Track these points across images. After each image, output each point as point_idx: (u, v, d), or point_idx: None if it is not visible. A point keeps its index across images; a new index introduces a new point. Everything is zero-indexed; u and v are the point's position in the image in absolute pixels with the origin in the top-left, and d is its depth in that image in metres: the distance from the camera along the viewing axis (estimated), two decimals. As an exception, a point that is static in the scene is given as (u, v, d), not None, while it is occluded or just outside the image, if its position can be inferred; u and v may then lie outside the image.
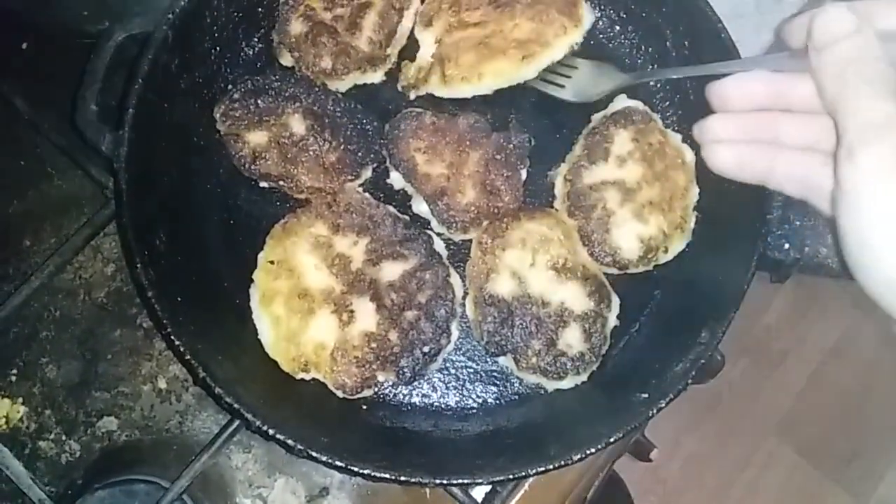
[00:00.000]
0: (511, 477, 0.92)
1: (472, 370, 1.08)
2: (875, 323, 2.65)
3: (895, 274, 0.64)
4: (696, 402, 2.69)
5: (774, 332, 2.85)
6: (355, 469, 0.90)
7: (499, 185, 1.08)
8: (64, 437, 1.15)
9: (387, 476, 0.91)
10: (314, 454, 0.91)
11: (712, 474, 2.74)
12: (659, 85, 1.19)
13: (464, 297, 1.08)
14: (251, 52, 1.19)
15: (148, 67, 1.03)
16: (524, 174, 1.11)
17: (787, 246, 1.02)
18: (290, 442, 0.91)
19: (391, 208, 1.10)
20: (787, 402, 2.81)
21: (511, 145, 1.11)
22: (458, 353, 1.09)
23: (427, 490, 1.09)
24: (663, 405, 0.94)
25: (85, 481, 1.11)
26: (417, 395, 1.07)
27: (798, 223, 1.03)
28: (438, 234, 1.10)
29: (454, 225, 1.08)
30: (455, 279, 1.08)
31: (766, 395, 2.81)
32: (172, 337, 0.95)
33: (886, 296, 0.65)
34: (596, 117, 1.14)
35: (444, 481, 0.92)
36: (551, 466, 0.93)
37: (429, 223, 1.11)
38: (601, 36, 1.21)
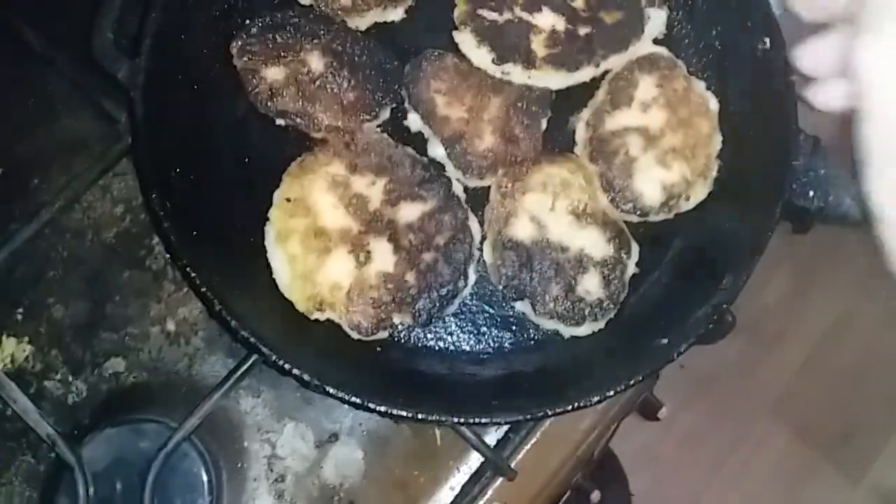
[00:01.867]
0: (529, 417, 0.92)
1: (488, 314, 1.07)
2: (874, 304, 2.65)
3: None
4: (690, 381, 2.69)
5: (772, 312, 2.84)
6: (372, 406, 0.89)
7: (517, 132, 1.07)
8: (70, 378, 1.13)
9: (403, 414, 0.90)
10: (330, 389, 0.90)
11: (706, 452, 2.75)
12: (685, 31, 1.17)
13: (482, 241, 1.07)
14: (270, -12, 1.17)
15: (165, -1, 1.01)
16: (544, 124, 1.09)
17: (811, 193, 1.01)
18: (306, 377, 0.90)
19: (410, 149, 1.08)
20: (782, 382, 2.82)
21: (534, 94, 1.09)
22: (474, 297, 1.08)
23: (438, 436, 1.08)
24: (683, 349, 0.94)
25: (91, 422, 1.10)
26: (433, 338, 1.06)
27: (823, 171, 1.02)
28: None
29: (470, 170, 1.06)
30: (473, 222, 1.06)
31: (761, 375, 2.82)
32: (188, 268, 0.93)
33: None
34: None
35: (462, 419, 0.91)
36: (569, 407, 0.92)
37: (444, 168, 1.09)
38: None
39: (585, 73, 1.10)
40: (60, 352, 1.14)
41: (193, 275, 0.93)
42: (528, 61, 1.08)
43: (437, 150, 1.09)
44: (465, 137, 1.06)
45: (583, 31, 1.11)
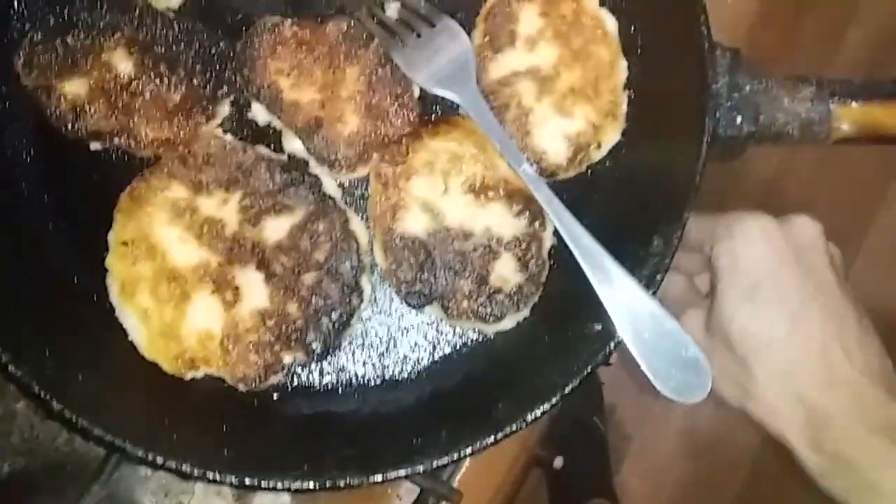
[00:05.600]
0: (455, 458, 0.78)
1: (394, 328, 0.91)
2: (809, 150, 2.51)
3: None
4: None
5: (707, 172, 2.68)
6: (268, 485, 0.75)
7: (386, 106, 0.88)
8: (-64, 486, 0.97)
9: (309, 486, 0.75)
10: (215, 476, 0.75)
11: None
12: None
13: (370, 245, 0.90)
14: (48, -21, 0.93)
15: None
16: (417, 89, 0.90)
17: (738, 119, 0.86)
18: (184, 468, 0.75)
19: (263, 149, 0.89)
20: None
21: None
22: (374, 311, 0.91)
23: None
24: (619, 339, 0.79)
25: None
26: (335, 370, 0.90)
27: (749, 88, 0.86)
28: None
29: (337, 163, 0.88)
30: (357, 224, 0.89)
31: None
32: (10, 367, 0.75)
33: None
34: (493, -7, 0.93)
35: (379, 477, 0.77)
36: (501, 434, 0.79)
37: (307, 163, 0.90)
38: None
39: None
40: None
41: (18, 374, 0.75)
42: None
43: (293, 144, 0.90)
44: (324, 124, 0.88)
45: None
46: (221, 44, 0.91)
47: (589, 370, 0.81)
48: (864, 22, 2.32)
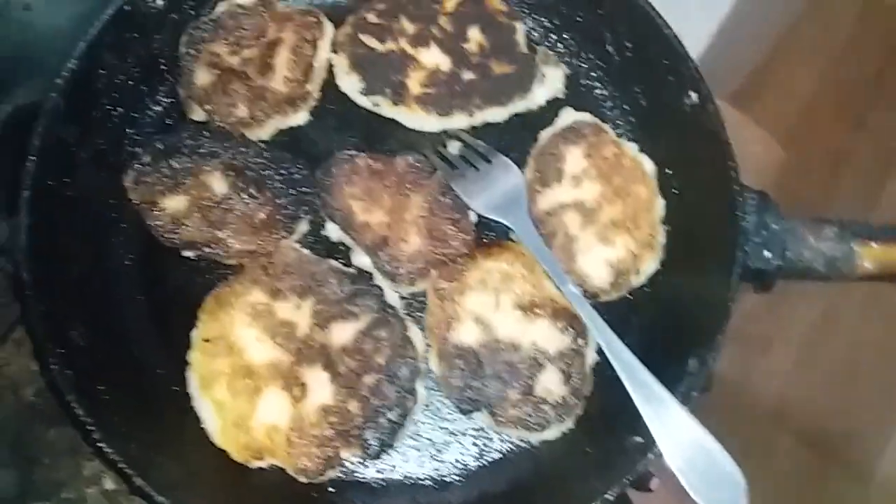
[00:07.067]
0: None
1: (446, 431, 0.97)
2: (856, 297, 2.58)
3: None
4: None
5: (754, 317, 2.76)
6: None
7: (446, 229, 0.98)
8: (8, 560, 1.02)
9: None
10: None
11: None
12: (606, 92, 1.10)
13: (426, 352, 0.98)
14: (159, 109, 1.08)
15: (41, 142, 0.93)
16: (474, 215, 1.01)
17: (767, 254, 0.94)
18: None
19: (334, 263, 0.99)
20: (778, 388, 2.72)
21: None
22: (427, 414, 0.98)
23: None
24: (658, 451, 0.84)
25: None
26: (389, 468, 0.96)
27: (776, 226, 0.95)
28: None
29: (399, 277, 0.98)
30: (414, 333, 0.97)
31: (756, 383, 2.73)
32: (100, 444, 0.83)
33: None
34: (543, 135, 1.05)
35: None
36: (545, 535, 0.83)
37: (372, 276, 1.00)
38: (537, 46, 1.12)
39: (459, 121, 1.06)
40: (-9, 537, 1.03)
41: (107, 449, 0.83)
42: (399, 96, 1.04)
43: (361, 259, 1.00)
44: (390, 243, 0.98)
45: (466, 76, 1.06)
46: (304, 170, 1.03)
47: (629, 479, 0.85)
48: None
